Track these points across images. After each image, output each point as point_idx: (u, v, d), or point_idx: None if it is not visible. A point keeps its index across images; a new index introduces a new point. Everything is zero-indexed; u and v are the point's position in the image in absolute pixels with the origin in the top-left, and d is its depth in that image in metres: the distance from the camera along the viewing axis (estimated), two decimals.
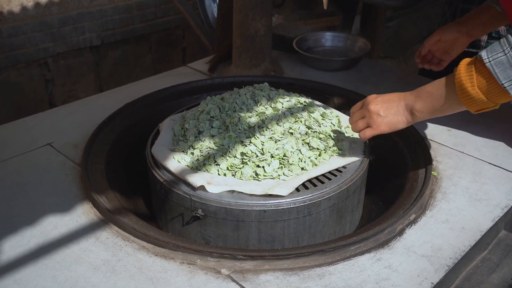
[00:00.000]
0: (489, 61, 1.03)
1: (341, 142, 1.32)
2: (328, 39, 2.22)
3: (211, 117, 1.36)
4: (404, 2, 1.92)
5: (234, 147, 1.23)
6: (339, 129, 1.38)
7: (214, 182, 1.16)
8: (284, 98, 1.44)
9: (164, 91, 1.70)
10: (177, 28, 4.12)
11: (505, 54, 1.02)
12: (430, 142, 1.49)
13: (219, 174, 1.20)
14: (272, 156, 1.21)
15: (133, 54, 3.96)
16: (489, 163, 1.40)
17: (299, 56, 2.05)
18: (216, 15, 2.93)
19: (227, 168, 1.20)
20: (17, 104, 3.41)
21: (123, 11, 3.73)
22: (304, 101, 1.46)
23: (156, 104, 1.66)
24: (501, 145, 1.48)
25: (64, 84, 3.64)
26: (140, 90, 1.75)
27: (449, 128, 1.57)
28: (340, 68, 2.00)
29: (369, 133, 1.21)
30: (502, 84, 1.02)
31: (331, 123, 1.38)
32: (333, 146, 1.30)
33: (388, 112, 1.18)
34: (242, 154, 1.22)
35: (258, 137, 1.26)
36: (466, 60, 1.08)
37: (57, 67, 3.55)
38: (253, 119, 1.33)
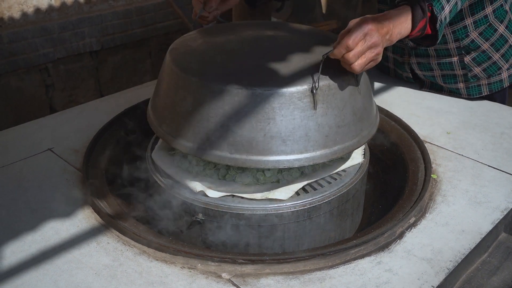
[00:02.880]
0: None
1: None
2: None
3: None
4: None
5: None
6: None
7: (214, 187, 1.17)
8: None
9: None
10: (177, 33, 4.13)
11: None
12: (430, 145, 1.50)
13: (219, 179, 1.20)
14: None
15: (133, 59, 3.97)
16: (489, 165, 1.41)
17: None
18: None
19: (227, 173, 1.20)
20: (17, 110, 3.41)
21: (122, 16, 3.75)
22: None
23: None
24: (500, 148, 1.48)
25: (64, 89, 3.65)
26: (140, 95, 1.75)
27: (448, 131, 1.57)
28: None
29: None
30: None
31: None
32: None
33: None
34: None
35: None
36: None
37: (57, 72, 3.56)
38: None
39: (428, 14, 1.26)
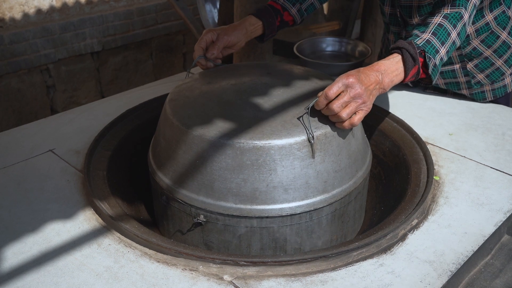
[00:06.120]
0: None
1: None
2: (329, 44, 2.22)
3: None
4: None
5: None
6: None
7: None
8: None
9: (165, 97, 1.70)
10: (178, 34, 4.14)
11: None
12: (432, 146, 1.49)
13: None
14: None
15: (134, 60, 3.98)
16: (491, 167, 1.40)
17: (300, 61, 2.06)
18: (216, 21, 2.94)
19: None
20: (18, 111, 3.42)
21: (124, 17, 3.75)
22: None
23: (157, 110, 1.66)
24: (503, 149, 1.48)
25: (65, 90, 3.65)
26: (141, 96, 1.75)
27: (451, 133, 1.57)
28: (341, 73, 2.00)
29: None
30: None
31: None
32: None
33: None
34: None
35: None
36: None
37: (58, 73, 3.56)
38: None
39: (421, 59, 1.28)
